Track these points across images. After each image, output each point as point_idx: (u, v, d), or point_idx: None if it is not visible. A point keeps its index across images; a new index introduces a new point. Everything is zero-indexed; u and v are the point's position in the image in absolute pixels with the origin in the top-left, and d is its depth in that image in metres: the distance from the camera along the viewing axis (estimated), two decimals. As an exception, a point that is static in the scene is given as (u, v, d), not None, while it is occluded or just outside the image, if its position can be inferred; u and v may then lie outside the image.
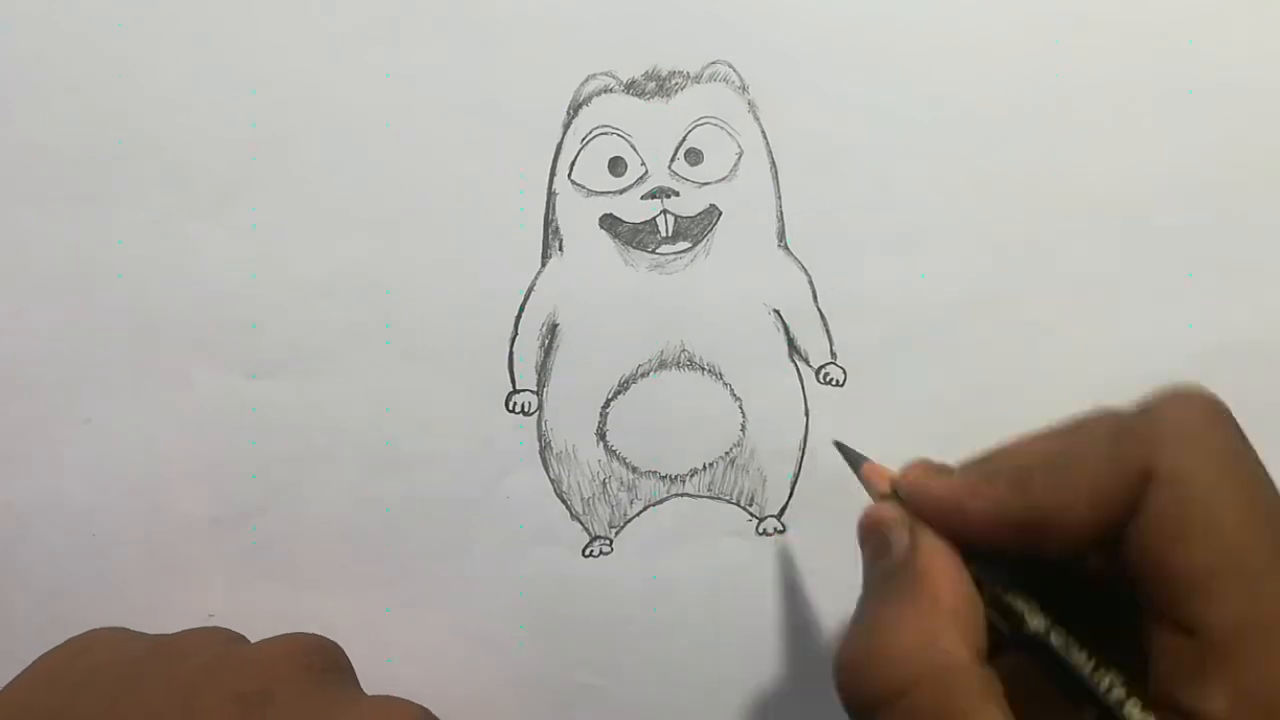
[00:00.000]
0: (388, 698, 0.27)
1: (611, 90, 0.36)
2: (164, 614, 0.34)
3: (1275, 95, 0.37)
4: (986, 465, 0.26)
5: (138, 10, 0.35)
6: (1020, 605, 0.24)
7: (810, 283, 0.36)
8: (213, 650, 0.27)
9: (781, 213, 0.36)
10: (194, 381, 0.35)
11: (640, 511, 0.36)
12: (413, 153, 0.35)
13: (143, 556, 0.35)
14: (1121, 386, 0.37)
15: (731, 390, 0.36)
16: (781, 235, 0.36)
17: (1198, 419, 0.23)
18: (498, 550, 0.36)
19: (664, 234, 0.36)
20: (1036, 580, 0.24)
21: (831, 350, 0.37)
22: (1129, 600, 0.23)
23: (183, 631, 0.28)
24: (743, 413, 0.36)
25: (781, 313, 0.37)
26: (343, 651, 0.28)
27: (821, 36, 0.36)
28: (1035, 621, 0.24)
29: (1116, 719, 0.22)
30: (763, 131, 0.36)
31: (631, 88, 0.36)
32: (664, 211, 0.36)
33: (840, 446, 0.32)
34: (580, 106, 0.36)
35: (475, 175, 0.36)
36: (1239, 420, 0.24)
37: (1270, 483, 0.23)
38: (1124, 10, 0.37)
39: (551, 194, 0.36)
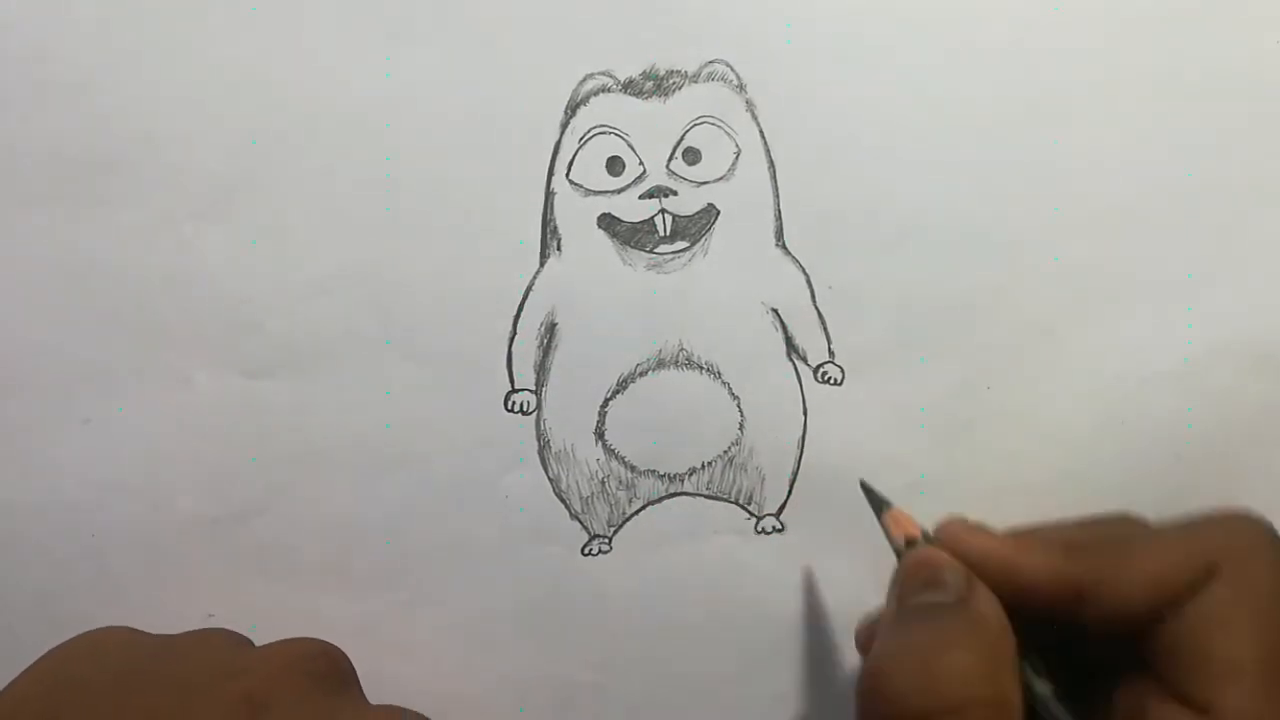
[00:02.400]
0: (390, 707, 0.27)
1: (609, 90, 0.36)
2: (163, 614, 0.34)
3: (1275, 95, 0.37)
4: (1035, 533, 0.29)
5: (138, 10, 0.35)
6: (1032, 673, 0.27)
7: (808, 282, 0.36)
8: (216, 653, 0.27)
9: (779, 212, 0.36)
10: (194, 381, 0.35)
11: (639, 510, 0.36)
12: (411, 153, 0.36)
13: (142, 556, 0.35)
14: (1121, 386, 0.37)
15: (730, 389, 0.36)
16: (779, 234, 0.36)
17: (1261, 536, 0.27)
18: (497, 549, 0.36)
19: (662, 233, 0.36)
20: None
21: (830, 349, 0.37)
22: (1104, 664, 0.27)
23: (187, 633, 0.28)
24: (741, 412, 0.36)
25: (780, 312, 0.37)
26: (346, 658, 0.28)
27: (819, 35, 0.36)
28: (1041, 688, 0.27)
29: None
30: (760, 131, 0.36)
31: (629, 87, 0.36)
32: (662, 211, 0.36)
33: (866, 489, 0.33)
34: (578, 106, 0.36)
35: (473, 175, 0.36)
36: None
37: None
38: (1123, 10, 0.37)
39: (549, 193, 0.36)
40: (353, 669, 0.28)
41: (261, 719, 0.24)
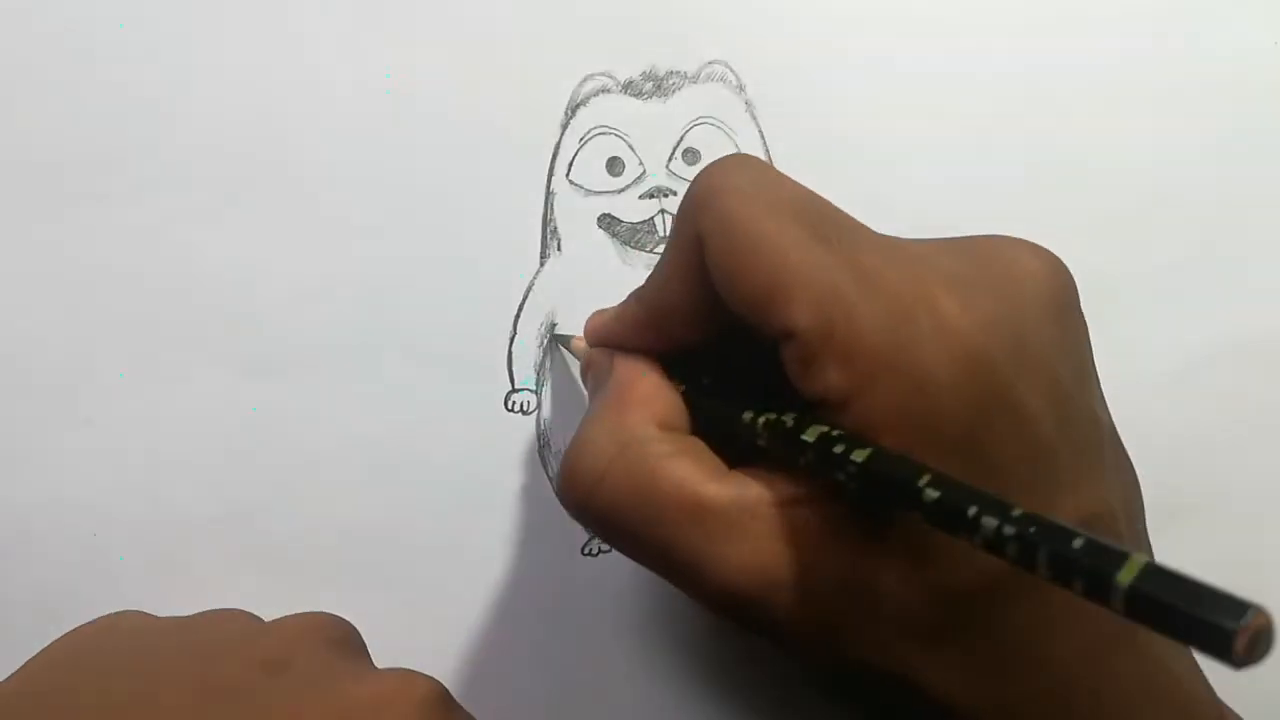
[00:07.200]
0: (403, 669, 0.27)
1: (609, 90, 0.36)
2: (164, 613, 0.34)
3: (1274, 96, 0.37)
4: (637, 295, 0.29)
5: (138, 10, 0.35)
6: (694, 391, 0.27)
7: (808, 282, 0.36)
8: (232, 625, 0.27)
9: (779, 212, 0.36)
10: (194, 381, 0.35)
11: (639, 511, 0.36)
12: (411, 152, 0.36)
13: (143, 556, 0.35)
14: (1121, 386, 0.37)
15: (730, 390, 0.36)
16: (779, 235, 0.36)
17: (722, 171, 0.25)
18: (496, 549, 0.36)
19: (662, 234, 0.36)
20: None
21: (830, 350, 0.36)
22: None
23: (200, 613, 0.28)
24: (741, 412, 0.36)
25: (779, 312, 0.36)
26: (356, 630, 0.29)
27: (819, 36, 0.36)
28: (707, 406, 0.26)
29: (786, 435, 0.23)
30: (760, 131, 0.36)
31: (629, 88, 0.36)
32: (662, 211, 0.36)
33: (557, 337, 0.35)
34: (578, 106, 0.36)
35: (474, 175, 0.36)
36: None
37: (793, 185, 0.25)
38: (1123, 8, 0.37)
39: (550, 194, 0.36)
40: (363, 640, 0.29)
41: (280, 677, 0.24)
